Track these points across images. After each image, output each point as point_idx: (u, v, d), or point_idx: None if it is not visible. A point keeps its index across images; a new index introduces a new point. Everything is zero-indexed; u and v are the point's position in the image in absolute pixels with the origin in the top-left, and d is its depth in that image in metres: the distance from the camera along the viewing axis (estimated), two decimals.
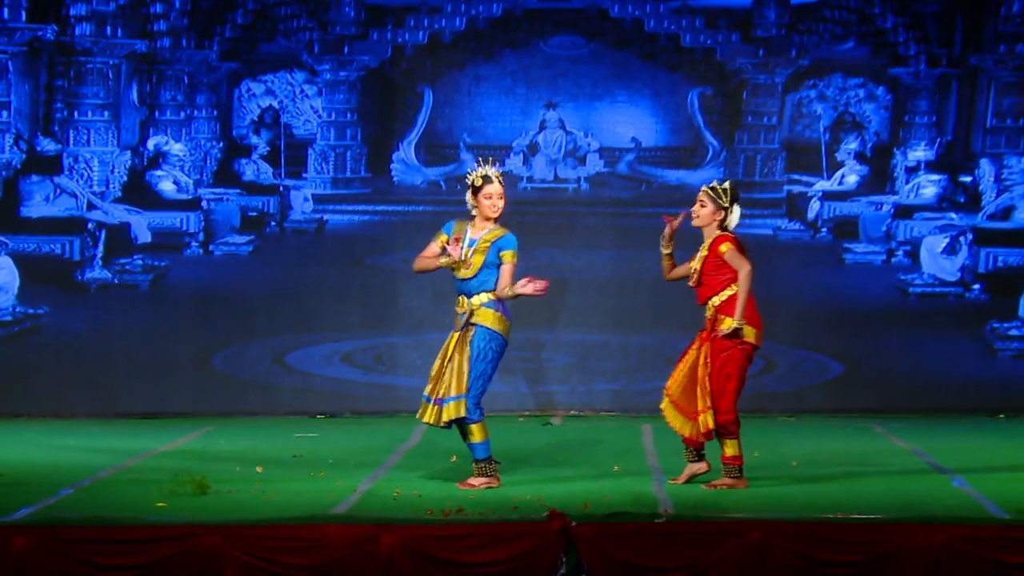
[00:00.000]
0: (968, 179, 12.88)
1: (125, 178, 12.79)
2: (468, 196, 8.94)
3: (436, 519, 7.83)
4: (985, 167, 12.81)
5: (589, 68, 12.90)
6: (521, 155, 12.93)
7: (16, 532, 7.48)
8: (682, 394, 8.97)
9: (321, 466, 9.66)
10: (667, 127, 13.00)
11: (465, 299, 8.89)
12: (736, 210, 8.95)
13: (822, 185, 12.95)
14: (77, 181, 12.69)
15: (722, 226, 8.94)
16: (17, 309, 12.53)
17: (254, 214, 12.93)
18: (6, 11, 12.40)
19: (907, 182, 12.90)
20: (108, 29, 12.56)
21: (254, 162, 13.00)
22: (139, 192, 12.80)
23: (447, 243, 8.88)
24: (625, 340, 12.65)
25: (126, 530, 7.58)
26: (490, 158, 9.01)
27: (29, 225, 12.63)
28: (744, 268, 8.83)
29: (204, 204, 12.85)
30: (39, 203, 12.70)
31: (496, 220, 8.91)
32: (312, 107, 13.02)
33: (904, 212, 12.86)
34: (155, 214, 12.78)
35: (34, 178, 12.67)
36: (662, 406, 9.08)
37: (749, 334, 8.86)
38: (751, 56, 12.79)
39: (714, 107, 12.94)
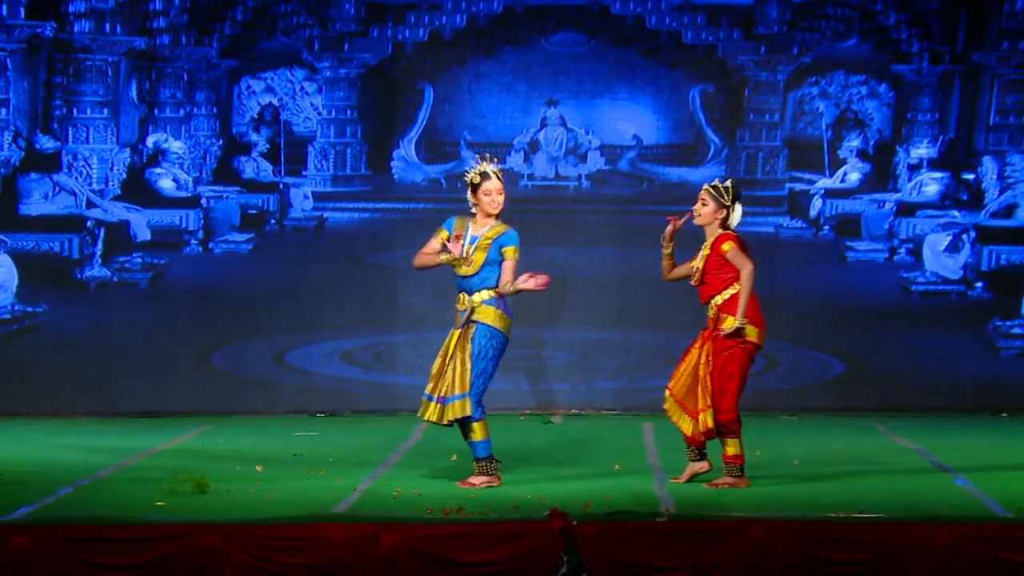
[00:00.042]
0: (971, 177, 12.87)
1: (124, 176, 12.78)
2: (468, 194, 8.94)
3: (437, 518, 7.82)
4: (988, 165, 12.79)
5: (590, 65, 12.88)
6: (522, 153, 12.92)
7: (15, 531, 7.47)
8: (686, 393, 8.96)
9: (321, 465, 9.66)
10: (668, 124, 12.98)
11: (466, 296, 8.87)
12: (738, 209, 8.95)
13: (824, 183, 12.93)
14: (76, 179, 12.67)
15: (724, 225, 8.94)
16: (16, 307, 12.52)
17: (254, 212, 12.92)
18: (5, 8, 12.38)
19: (909, 180, 12.88)
20: (107, 26, 12.55)
21: (254, 160, 12.99)
22: (138, 190, 12.78)
23: (448, 240, 8.86)
24: (626, 338, 12.64)
25: (125, 529, 7.57)
26: (487, 155, 9.00)
27: (28, 223, 12.62)
28: (746, 267, 8.82)
29: (204, 202, 12.84)
30: (38, 201, 12.68)
31: (498, 216, 8.90)
32: (312, 104, 13.00)
33: (907, 210, 12.84)
34: (154, 212, 12.77)
35: (33, 176, 12.65)
36: (666, 406, 9.06)
37: (751, 333, 8.84)
38: (753, 53, 12.78)
39: (716, 104, 12.93)
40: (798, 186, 12.94)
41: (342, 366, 12.69)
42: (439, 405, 8.85)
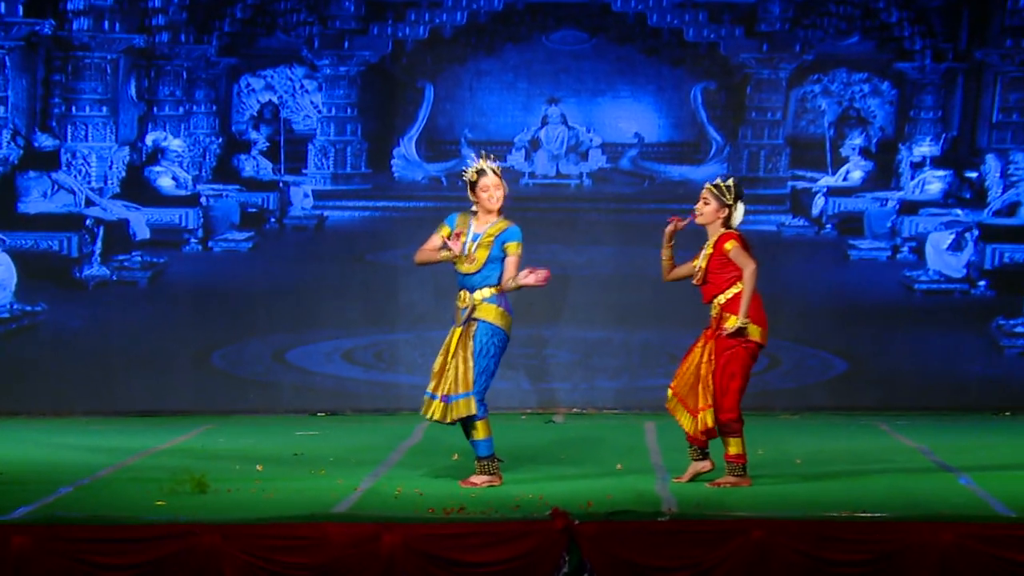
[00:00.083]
0: (974, 175, 12.84)
1: (123, 174, 12.76)
2: (468, 193, 8.95)
3: (438, 518, 7.81)
4: (991, 163, 12.77)
5: (591, 63, 12.86)
6: (523, 151, 12.90)
7: (15, 531, 7.46)
8: (688, 392, 8.94)
9: (322, 464, 9.64)
10: (670, 122, 12.96)
11: (467, 294, 8.86)
12: (740, 207, 8.94)
13: (826, 181, 12.91)
14: (75, 177, 12.65)
15: (726, 224, 8.92)
16: (15, 306, 12.50)
17: (254, 210, 12.90)
18: (3, 5, 12.37)
19: (912, 178, 12.86)
20: (106, 24, 12.53)
21: (253, 158, 12.97)
22: (137, 188, 12.77)
23: (449, 237, 8.85)
24: (628, 337, 12.62)
25: (125, 529, 7.56)
26: (482, 152, 9.00)
27: (27, 221, 12.60)
28: (749, 266, 8.80)
29: (203, 200, 12.82)
30: (37, 199, 12.66)
31: (500, 213, 8.88)
32: (312, 102, 12.98)
33: (909, 208, 12.83)
34: (154, 210, 12.76)
35: (32, 174, 12.63)
36: (668, 404, 9.04)
37: (754, 332, 8.83)
38: (755, 51, 12.76)
39: (717, 102, 12.91)
40: (800, 184, 12.93)
41: (342, 365, 12.67)
42: (442, 404, 8.84)
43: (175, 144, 12.79)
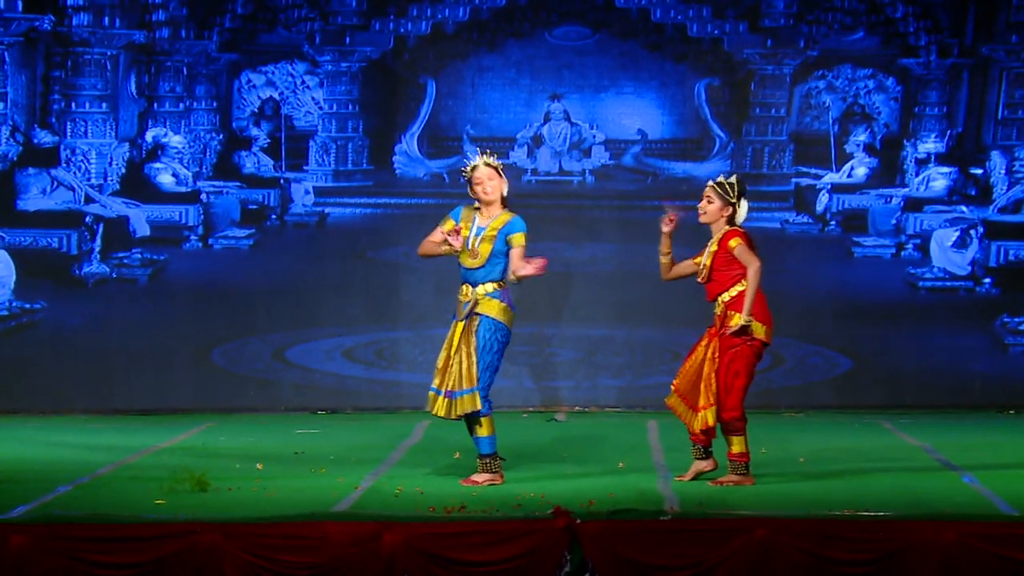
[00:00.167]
0: (979, 171, 12.82)
1: (123, 171, 12.75)
2: (469, 191, 8.96)
3: (439, 517, 7.80)
4: (996, 159, 12.75)
5: (594, 59, 12.84)
6: (525, 147, 12.89)
7: (14, 530, 7.45)
8: (691, 390, 8.91)
9: (322, 463, 9.63)
10: (673, 119, 12.94)
11: (470, 288, 8.86)
12: (744, 204, 8.94)
13: (831, 178, 12.89)
14: (74, 174, 12.63)
15: (731, 221, 8.90)
16: (14, 304, 12.49)
17: (254, 207, 12.89)
18: (2, 1, 12.35)
19: (917, 174, 12.84)
20: (106, 19, 12.52)
21: (254, 154, 12.95)
22: (137, 185, 12.76)
23: (451, 231, 8.83)
24: (630, 335, 12.59)
25: (125, 528, 7.54)
26: (479, 148, 8.98)
27: (26, 218, 12.60)
28: (753, 264, 8.78)
29: (203, 197, 12.81)
30: (36, 196, 12.65)
31: (504, 206, 8.87)
32: (313, 98, 12.97)
33: (914, 205, 12.81)
34: (154, 207, 12.75)
35: (31, 171, 12.62)
36: (669, 401, 9.01)
37: (759, 330, 8.80)
38: (759, 47, 12.75)
39: (721, 98, 12.89)
40: (804, 181, 12.91)
41: (343, 363, 12.65)
42: (447, 400, 8.83)
43: (175, 141, 12.77)
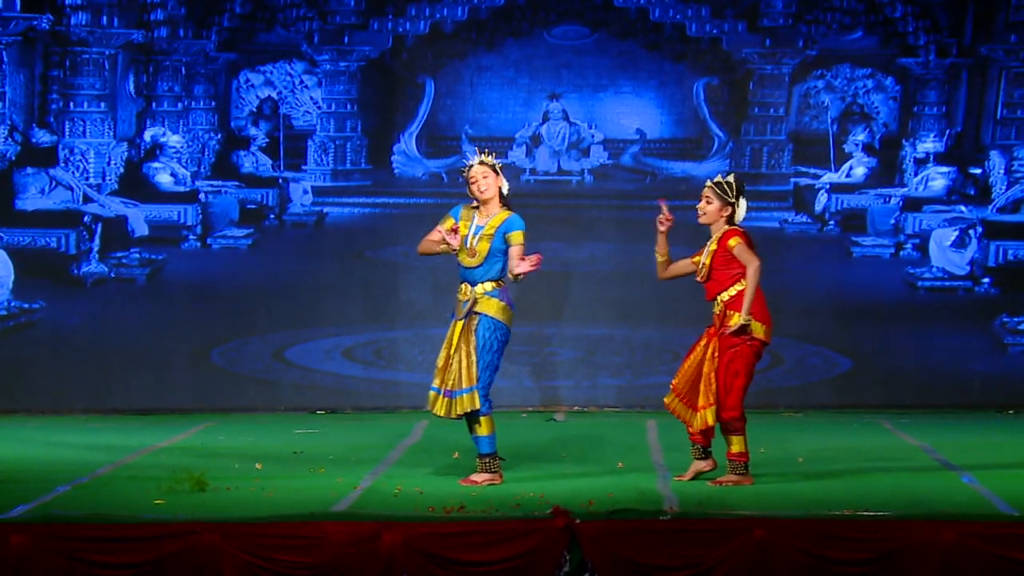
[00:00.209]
0: (978, 171, 12.82)
1: (122, 170, 12.75)
2: (467, 192, 8.95)
3: (438, 516, 7.79)
4: (995, 159, 12.75)
5: (593, 58, 12.84)
6: (524, 147, 12.89)
7: (13, 530, 7.44)
8: (690, 389, 8.91)
9: (321, 463, 9.62)
10: (672, 118, 12.94)
11: (468, 287, 8.86)
12: (743, 204, 8.94)
13: (830, 177, 12.89)
14: (73, 173, 12.62)
15: (730, 221, 8.89)
16: (12, 304, 12.48)
17: (253, 207, 12.88)
18: (0, 0, 12.31)
19: (916, 174, 12.84)
20: (104, 18, 12.51)
21: (253, 154, 12.95)
22: (136, 184, 12.75)
23: (449, 230, 8.83)
24: (630, 334, 12.59)
25: (124, 528, 7.54)
26: (478, 148, 8.98)
27: (24, 218, 12.59)
28: (753, 263, 8.78)
29: (202, 197, 12.80)
30: (34, 196, 12.64)
31: (503, 205, 8.86)
32: (312, 98, 12.96)
33: (913, 205, 12.80)
34: (152, 207, 12.75)
35: (29, 170, 12.61)
36: (667, 400, 9.01)
37: (758, 330, 8.80)
38: (757, 46, 12.74)
39: (720, 98, 12.89)
40: (803, 181, 12.91)
41: (342, 363, 12.64)
42: (447, 399, 8.82)
43: (174, 140, 12.77)
